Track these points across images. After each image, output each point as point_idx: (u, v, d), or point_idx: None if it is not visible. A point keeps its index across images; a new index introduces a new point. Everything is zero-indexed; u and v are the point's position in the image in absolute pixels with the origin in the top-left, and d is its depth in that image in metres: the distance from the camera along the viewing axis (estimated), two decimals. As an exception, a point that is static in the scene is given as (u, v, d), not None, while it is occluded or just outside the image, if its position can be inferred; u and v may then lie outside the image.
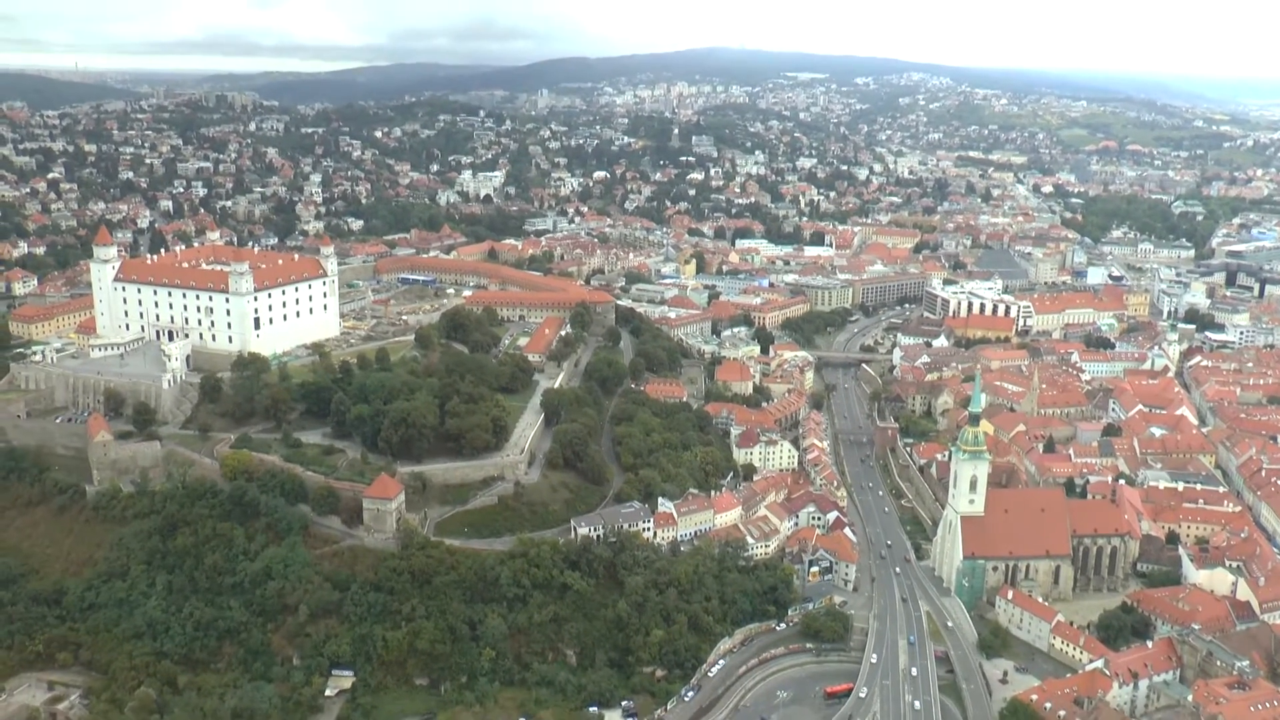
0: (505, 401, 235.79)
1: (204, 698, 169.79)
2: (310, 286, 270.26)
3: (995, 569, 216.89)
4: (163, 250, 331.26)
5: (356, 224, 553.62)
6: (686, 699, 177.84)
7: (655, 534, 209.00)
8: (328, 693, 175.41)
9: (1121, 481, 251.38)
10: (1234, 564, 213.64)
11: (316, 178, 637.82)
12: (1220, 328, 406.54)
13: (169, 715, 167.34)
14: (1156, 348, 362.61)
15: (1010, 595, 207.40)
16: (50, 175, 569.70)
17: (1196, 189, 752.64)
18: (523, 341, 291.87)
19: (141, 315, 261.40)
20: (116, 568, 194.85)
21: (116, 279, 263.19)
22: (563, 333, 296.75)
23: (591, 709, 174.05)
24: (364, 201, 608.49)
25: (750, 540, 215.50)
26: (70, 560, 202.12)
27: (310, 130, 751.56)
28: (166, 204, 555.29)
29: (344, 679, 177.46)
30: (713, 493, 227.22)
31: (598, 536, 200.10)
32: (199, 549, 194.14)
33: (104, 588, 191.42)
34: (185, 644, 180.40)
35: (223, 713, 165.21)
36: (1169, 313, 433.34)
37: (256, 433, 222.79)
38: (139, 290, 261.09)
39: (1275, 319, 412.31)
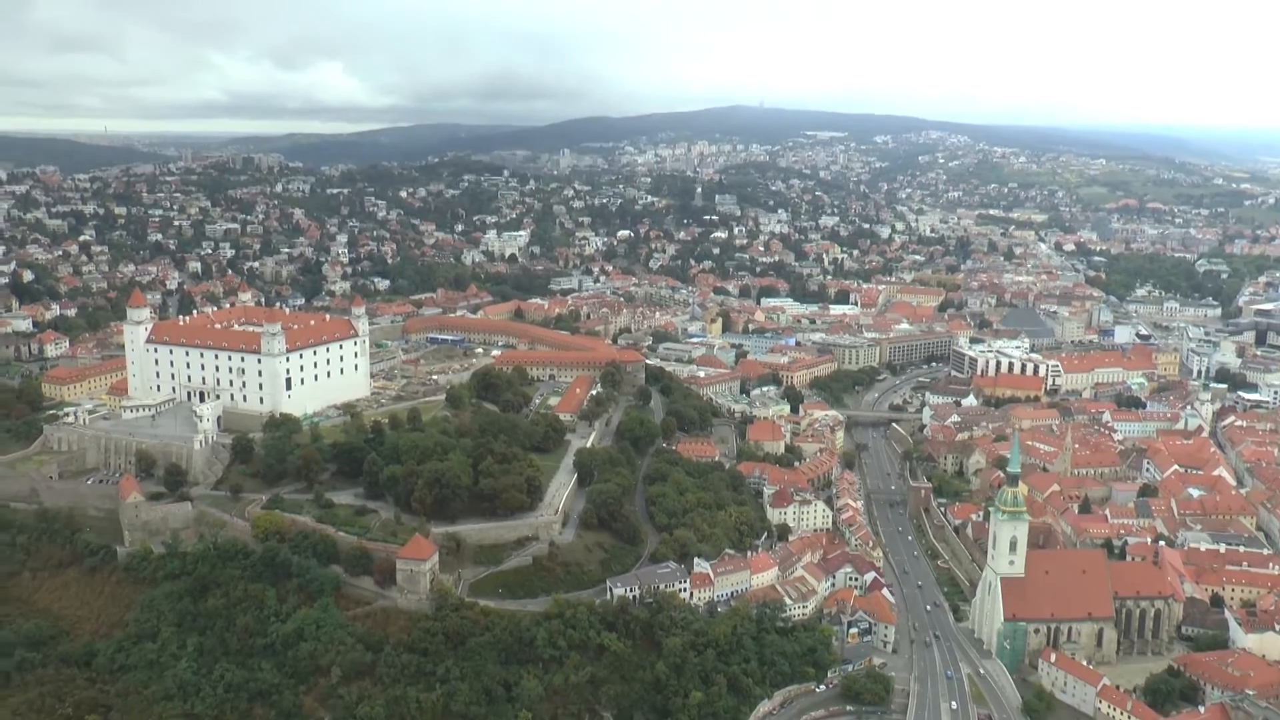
0: (538, 461, 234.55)
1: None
2: (341, 347, 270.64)
3: (1037, 631, 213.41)
4: (193, 311, 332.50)
5: (383, 284, 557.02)
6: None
7: (692, 595, 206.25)
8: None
9: (1161, 543, 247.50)
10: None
11: (342, 238, 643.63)
12: (1253, 387, 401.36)
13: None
14: (1189, 407, 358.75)
15: (1054, 658, 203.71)
16: (82, 238, 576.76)
17: (1219, 247, 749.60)
18: (553, 401, 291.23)
19: (173, 376, 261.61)
20: (147, 629, 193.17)
21: (149, 340, 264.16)
22: (594, 392, 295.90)
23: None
24: (390, 261, 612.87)
25: (788, 601, 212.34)
26: (101, 621, 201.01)
27: (335, 191, 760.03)
28: (195, 265, 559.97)
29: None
30: (749, 553, 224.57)
31: (634, 597, 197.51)
32: (230, 610, 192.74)
33: (134, 649, 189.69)
34: (216, 706, 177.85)
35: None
36: (1199, 372, 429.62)
37: (288, 493, 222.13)
38: (171, 351, 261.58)
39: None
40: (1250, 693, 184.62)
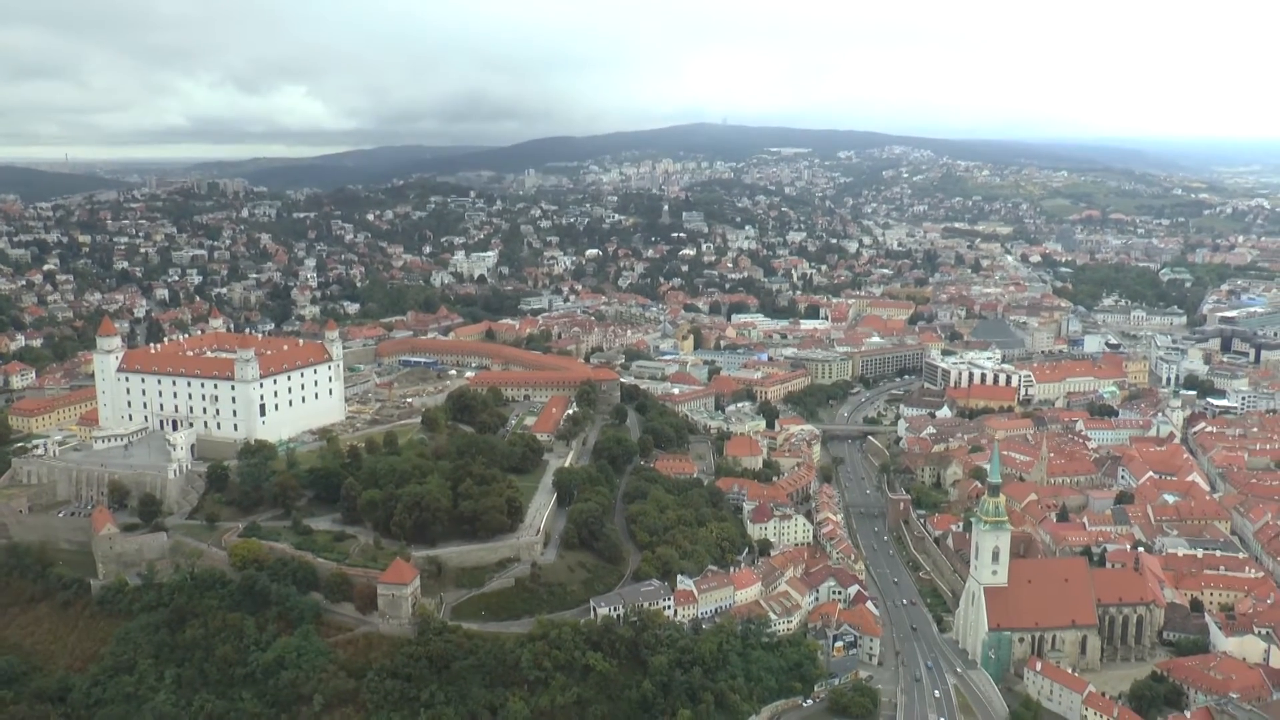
0: (517, 482, 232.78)
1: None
2: (316, 371, 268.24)
3: (1021, 640, 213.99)
4: (163, 339, 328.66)
5: (352, 307, 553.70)
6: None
7: (676, 612, 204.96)
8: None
9: (1140, 549, 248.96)
10: (1263, 630, 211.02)
11: (310, 262, 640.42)
12: (1221, 394, 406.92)
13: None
14: (1160, 414, 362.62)
15: (1039, 666, 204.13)
16: (46, 267, 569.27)
17: (1182, 256, 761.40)
18: (529, 421, 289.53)
19: (145, 405, 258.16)
20: (123, 662, 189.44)
21: (119, 369, 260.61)
22: (569, 411, 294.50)
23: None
24: (359, 285, 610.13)
25: (773, 616, 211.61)
26: (75, 656, 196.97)
27: (302, 215, 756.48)
28: (162, 293, 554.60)
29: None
30: (731, 569, 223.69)
31: (618, 616, 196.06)
32: (209, 640, 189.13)
33: (110, 683, 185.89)
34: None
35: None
36: (1168, 379, 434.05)
37: (265, 520, 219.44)
38: (143, 380, 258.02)
39: (1275, 384, 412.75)
40: (1234, 696, 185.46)
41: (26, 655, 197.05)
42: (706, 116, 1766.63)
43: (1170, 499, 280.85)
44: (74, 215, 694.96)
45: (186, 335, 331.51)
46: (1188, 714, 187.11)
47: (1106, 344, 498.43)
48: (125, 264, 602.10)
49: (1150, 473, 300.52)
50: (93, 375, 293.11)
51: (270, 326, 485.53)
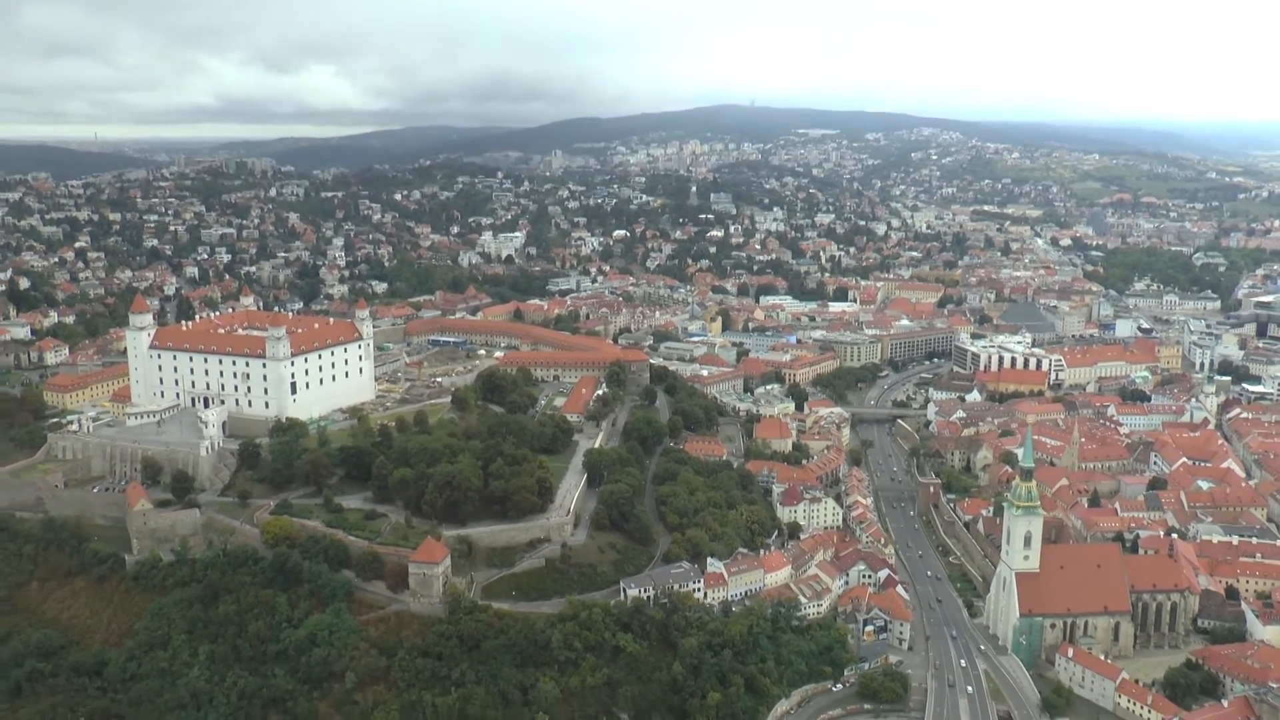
0: (547, 462, 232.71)
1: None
2: (346, 350, 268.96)
3: (1053, 626, 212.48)
4: (193, 317, 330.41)
5: (380, 286, 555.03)
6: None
7: (706, 594, 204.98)
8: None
9: (1174, 536, 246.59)
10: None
11: (339, 241, 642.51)
12: (1257, 379, 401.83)
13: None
14: (1194, 400, 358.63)
15: (1071, 653, 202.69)
16: (77, 244, 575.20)
17: (1215, 240, 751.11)
18: (559, 402, 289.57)
19: (177, 382, 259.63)
20: (158, 637, 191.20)
21: (152, 346, 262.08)
22: (600, 392, 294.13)
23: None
24: (387, 264, 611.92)
25: (803, 600, 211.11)
26: (110, 631, 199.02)
27: (330, 194, 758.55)
28: (192, 270, 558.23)
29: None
30: (761, 552, 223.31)
31: (648, 598, 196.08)
32: (241, 617, 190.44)
33: (145, 658, 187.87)
34: (230, 713, 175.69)
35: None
36: (1202, 365, 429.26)
37: (296, 498, 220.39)
38: (175, 357, 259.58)
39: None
40: (1274, 685, 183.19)
41: (64, 629, 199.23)
42: (733, 98, 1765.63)
43: (1205, 485, 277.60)
44: (104, 193, 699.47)
45: (217, 313, 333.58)
46: (1225, 703, 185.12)
47: (1139, 328, 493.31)
48: (155, 242, 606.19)
49: (1184, 459, 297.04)
50: (125, 352, 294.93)
51: (299, 305, 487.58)
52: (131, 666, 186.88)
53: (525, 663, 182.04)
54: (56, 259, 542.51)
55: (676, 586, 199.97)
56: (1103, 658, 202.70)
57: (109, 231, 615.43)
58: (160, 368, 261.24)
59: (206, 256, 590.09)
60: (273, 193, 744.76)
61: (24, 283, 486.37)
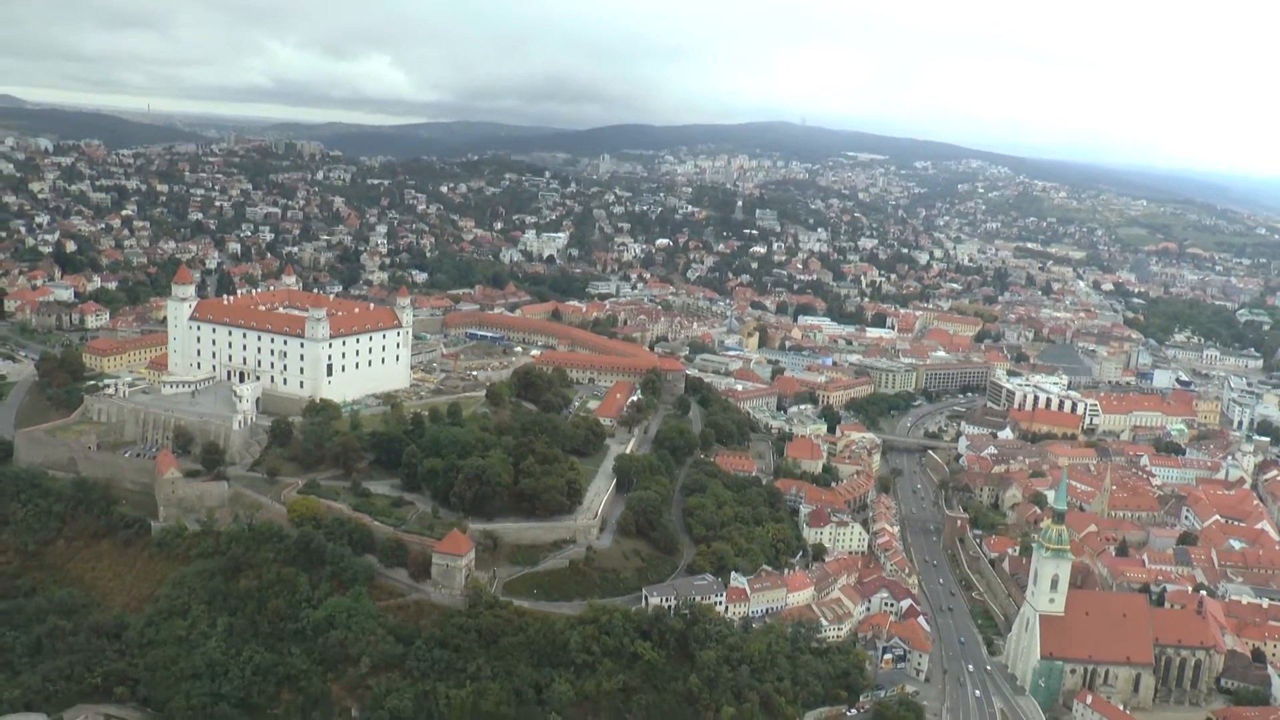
0: (578, 464, 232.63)
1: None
2: (384, 336, 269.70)
3: (1073, 671, 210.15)
4: (236, 293, 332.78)
5: (420, 276, 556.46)
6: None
7: (727, 609, 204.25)
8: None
9: (1203, 593, 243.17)
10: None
11: (382, 228, 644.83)
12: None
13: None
14: (1231, 458, 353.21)
15: (1089, 700, 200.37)
16: (124, 212, 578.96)
17: (1261, 298, 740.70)
18: (592, 404, 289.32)
19: (214, 355, 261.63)
20: (178, 605, 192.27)
21: (192, 318, 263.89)
22: (634, 398, 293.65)
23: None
24: (428, 255, 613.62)
25: (824, 622, 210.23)
26: (132, 595, 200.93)
27: (376, 181, 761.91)
28: (234, 246, 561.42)
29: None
30: (785, 571, 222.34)
31: (670, 607, 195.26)
32: (262, 593, 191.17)
33: (164, 625, 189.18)
34: (244, 687, 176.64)
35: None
36: (1240, 423, 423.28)
37: (325, 479, 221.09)
38: (214, 330, 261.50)
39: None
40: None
41: (87, 589, 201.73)
42: (785, 115, 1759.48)
43: (1237, 545, 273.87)
44: (154, 164, 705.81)
45: (257, 290, 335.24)
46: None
47: (1178, 380, 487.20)
48: (200, 216, 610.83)
49: (1216, 515, 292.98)
50: (164, 321, 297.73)
51: (339, 289, 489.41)
52: (150, 632, 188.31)
53: (542, 662, 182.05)
54: (103, 225, 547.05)
55: (698, 598, 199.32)
56: (1121, 708, 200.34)
57: (156, 202, 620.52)
58: (199, 339, 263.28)
59: (250, 234, 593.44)
60: (320, 176, 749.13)
61: (70, 246, 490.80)
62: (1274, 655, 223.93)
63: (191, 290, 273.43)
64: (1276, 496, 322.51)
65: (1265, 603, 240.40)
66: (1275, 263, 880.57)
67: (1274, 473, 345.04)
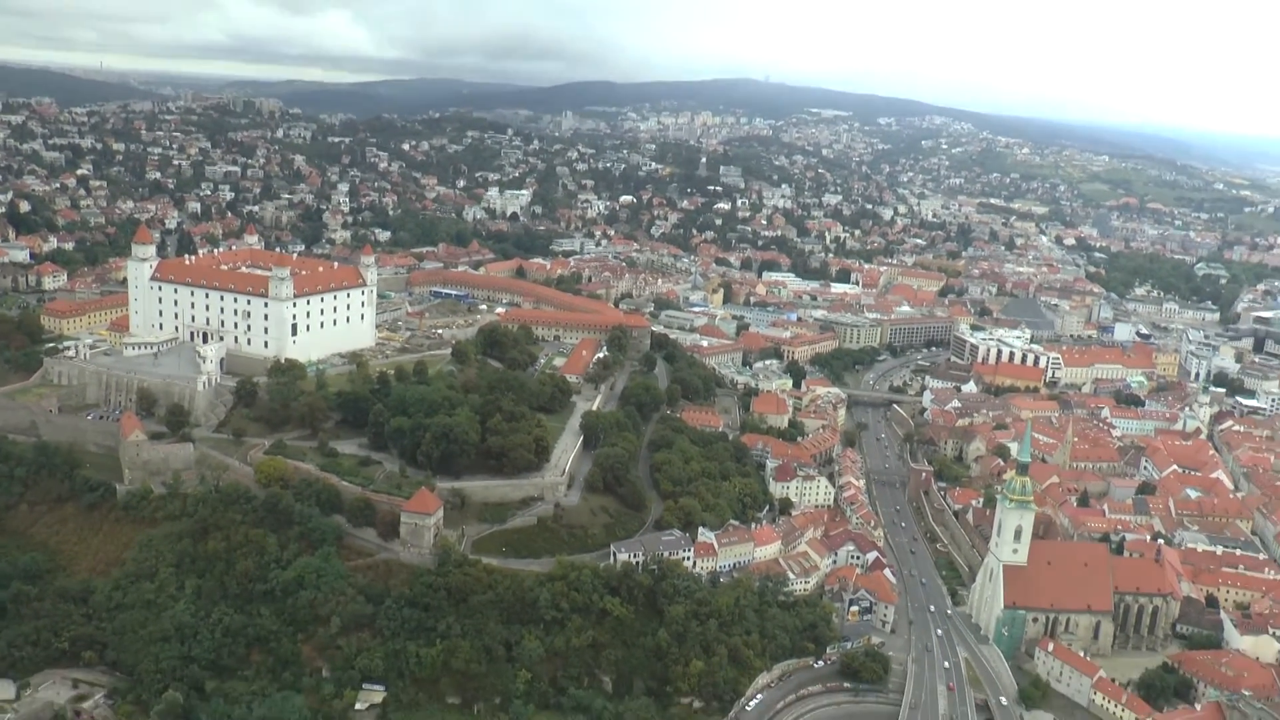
0: (545, 421, 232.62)
1: (232, 705, 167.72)
2: (349, 295, 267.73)
3: (1035, 620, 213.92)
4: (198, 252, 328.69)
5: (383, 235, 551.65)
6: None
7: (695, 564, 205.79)
8: (358, 707, 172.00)
9: (1159, 541, 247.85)
10: (1277, 632, 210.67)
11: (344, 187, 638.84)
12: (1251, 394, 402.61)
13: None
14: (1188, 409, 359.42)
15: (1051, 648, 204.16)
16: (79, 172, 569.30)
17: (1218, 252, 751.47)
18: (558, 361, 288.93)
19: (176, 315, 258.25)
20: (145, 569, 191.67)
21: (153, 278, 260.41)
22: (600, 355, 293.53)
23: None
24: (391, 213, 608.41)
25: (791, 575, 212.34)
26: (98, 559, 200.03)
27: (337, 139, 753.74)
28: (194, 206, 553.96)
29: (375, 693, 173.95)
30: (752, 525, 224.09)
31: (638, 563, 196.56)
32: (230, 554, 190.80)
33: (132, 588, 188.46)
34: (213, 649, 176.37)
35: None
36: (1197, 374, 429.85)
37: (291, 440, 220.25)
38: (175, 290, 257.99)
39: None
40: (1246, 693, 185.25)
41: (52, 554, 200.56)
42: (749, 72, 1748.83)
43: (1193, 494, 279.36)
44: (108, 123, 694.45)
45: (219, 249, 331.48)
46: (1197, 707, 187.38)
47: (1138, 333, 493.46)
48: (158, 175, 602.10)
49: (1174, 466, 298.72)
50: (124, 281, 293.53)
51: (301, 248, 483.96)
52: (117, 596, 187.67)
53: (511, 619, 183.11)
54: (58, 185, 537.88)
55: (666, 554, 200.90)
56: (1082, 655, 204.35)
57: (112, 161, 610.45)
58: (160, 300, 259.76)
59: (209, 193, 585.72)
60: (279, 134, 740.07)
61: (24, 206, 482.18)
62: (1226, 600, 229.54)
63: (152, 250, 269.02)
64: (1231, 446, 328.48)
65: (1219, 550, 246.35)
66: (1233, 217, 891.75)
67: (1229, 423, 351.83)
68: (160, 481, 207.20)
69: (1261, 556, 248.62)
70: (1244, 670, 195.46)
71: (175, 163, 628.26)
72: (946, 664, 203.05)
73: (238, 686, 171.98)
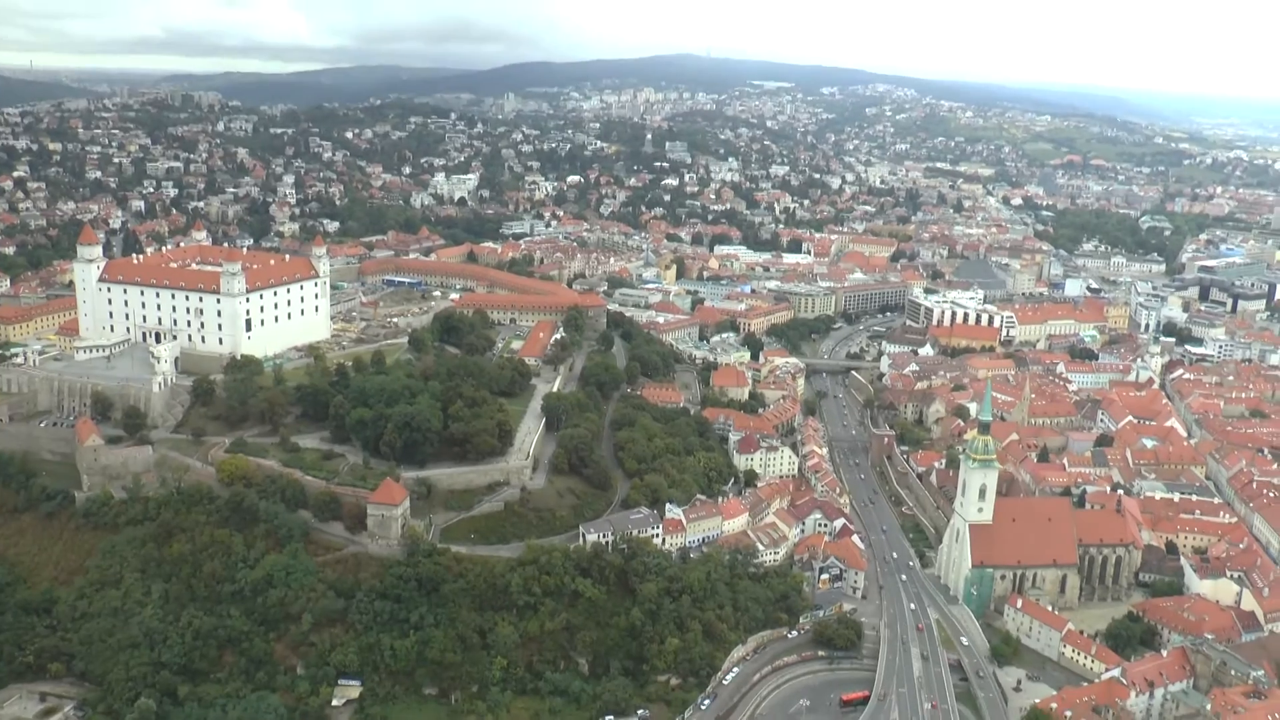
0: (506, 405, 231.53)
1: (206, 708, 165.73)
2: (302, 288, 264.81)
3: (1003, 577, 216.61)
4: (145, 251, 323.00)
5: (332, 225, 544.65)
6: (703, 708, 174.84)
7: (664, 541, 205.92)
8: (335, 703, 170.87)
9: (1119, 491, 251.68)
10: (1235, 574, 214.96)
11: (289, 178, 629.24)
12: (1199, 341, 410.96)
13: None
14: (1140, 360, 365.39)
15: (1020, 604, 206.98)
16: (15, 174, 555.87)
17: (1161, 205, 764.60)
18: (516, 345, 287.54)
19: (127, 317, 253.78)
20: (109, 576, 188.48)
21: (101, 279, 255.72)
22: (557, 336, 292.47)
23: (607, 719, 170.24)
24: (338, 203, 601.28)
25: (760, 547, 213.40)
26: (60, 568, 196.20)
27: (280, 131, 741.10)
28: (138, 204, 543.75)
29: (351, 689, 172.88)
30: (719, 499, 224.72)
31: (608, 543, 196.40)
32: (196, 556, 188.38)
33: (97, 596, 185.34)
34: (184, 654, 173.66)
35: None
36: (1147, 326, 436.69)
37: (251, 437, 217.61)
38: (125, 291, 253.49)
39: (1251, 334, 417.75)
40: (1208, 636, 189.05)
41: (11, 566, 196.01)
42: (689, 48, 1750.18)
43: (1149, 443, 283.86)
44: (43, 122, 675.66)
45: (166, 247, 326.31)
46: (1163, 653, 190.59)
47: (1088, 288, 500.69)
48: (98, 174, 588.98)
49: (1129, 417, 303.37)
50: (70, 284, 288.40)
51: (250, 242, 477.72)
52: (82, 605, 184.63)
53: (484, 606, 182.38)
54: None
55: (635, 532, 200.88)
56: (1050, 609, 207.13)
57: (49, 162, 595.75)
58: (110, 301, 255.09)
59: (152, 190, 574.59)
60: (220, 127, 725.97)
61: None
62: (1185, 547, 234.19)
63: (98, 251, 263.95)
64: (1183, 394, 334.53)
65: (1176, 497, 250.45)
66: (1173, 170, 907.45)
67: (1180, 372, 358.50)
68: (120, 486, 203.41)
69: (1216, 501, 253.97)
70: (1205, 614, 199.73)
71: (115, 161, 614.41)
72: (912, 606, 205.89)
73: (211, 690, 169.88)
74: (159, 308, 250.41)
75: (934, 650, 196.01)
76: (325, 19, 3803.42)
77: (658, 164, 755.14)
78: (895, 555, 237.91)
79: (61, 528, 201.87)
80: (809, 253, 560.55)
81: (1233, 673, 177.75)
